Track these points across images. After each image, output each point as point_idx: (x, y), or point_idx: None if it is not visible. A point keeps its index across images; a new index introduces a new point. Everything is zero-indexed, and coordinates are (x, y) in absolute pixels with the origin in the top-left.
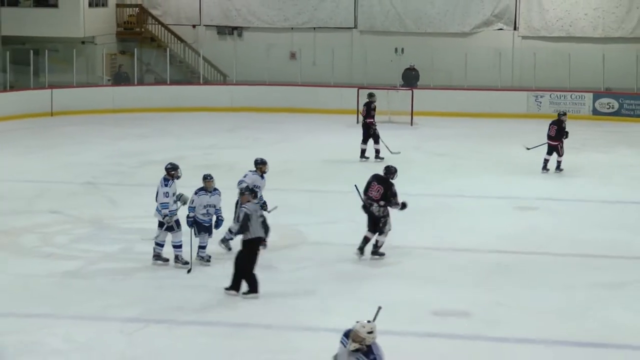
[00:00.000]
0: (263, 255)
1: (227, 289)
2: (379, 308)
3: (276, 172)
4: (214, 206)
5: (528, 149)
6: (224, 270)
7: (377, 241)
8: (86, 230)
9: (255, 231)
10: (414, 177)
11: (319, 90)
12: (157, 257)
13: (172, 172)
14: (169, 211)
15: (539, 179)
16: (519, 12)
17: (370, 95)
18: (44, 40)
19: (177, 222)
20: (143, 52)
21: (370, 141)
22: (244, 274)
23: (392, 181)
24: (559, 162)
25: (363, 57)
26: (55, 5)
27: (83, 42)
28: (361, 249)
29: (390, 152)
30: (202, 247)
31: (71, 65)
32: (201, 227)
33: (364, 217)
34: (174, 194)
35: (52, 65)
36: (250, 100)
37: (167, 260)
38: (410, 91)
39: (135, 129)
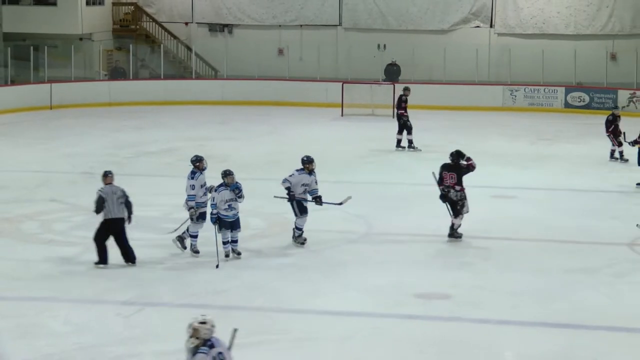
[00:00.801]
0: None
1: (96, 263)
2: (235, 330)
3: (265, 162)
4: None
5: None
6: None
7: (452, 224)
8: (84, 217)
9: (111, 212)
10: (396, 167)
11: (306, 85)
12: (189, 247)
13: (197, 163)
14: (195, 203)
15: (514, 169)
16: (495, 10)
17: (405, 89)
18: (44, 36)
19: (203, 214)
20: (138, 49)
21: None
22: (98, 245)
23: (461, 162)
24: (620, 153)
25: (347, 53)
26: (54, 4)
27: (81, 39)
28: (452, 235)
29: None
30: (225, 243)
31: (69, 61)
32: (224, 223)
33: (352, 207)
34: (202, 186)
35: (51, 61)
36: (240, 94)
37: (197, 252)
38: (392, 86)
39: (130, 122)
